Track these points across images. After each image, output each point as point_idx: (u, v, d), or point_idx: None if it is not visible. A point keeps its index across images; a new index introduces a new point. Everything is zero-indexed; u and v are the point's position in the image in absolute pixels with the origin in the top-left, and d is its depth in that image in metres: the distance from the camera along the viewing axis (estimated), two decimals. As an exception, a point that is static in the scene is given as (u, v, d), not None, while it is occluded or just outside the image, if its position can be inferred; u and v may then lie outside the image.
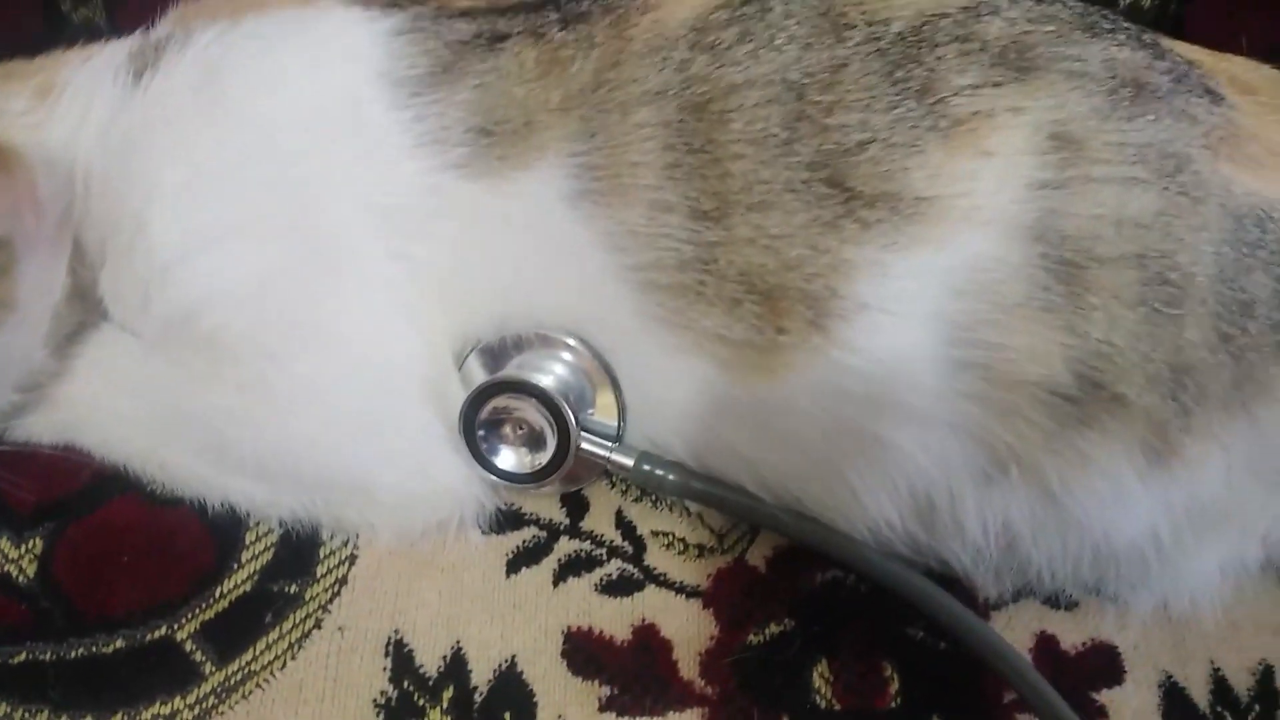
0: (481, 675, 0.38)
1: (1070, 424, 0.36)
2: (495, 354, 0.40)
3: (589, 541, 0.42)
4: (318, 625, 0.39)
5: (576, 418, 0.39)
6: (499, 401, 0.39)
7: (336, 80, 0.39)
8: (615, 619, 0.40)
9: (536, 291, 0.39)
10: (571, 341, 0.40)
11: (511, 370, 0.39)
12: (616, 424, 0.40)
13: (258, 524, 0.40)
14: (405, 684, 0.38)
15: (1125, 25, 0.43)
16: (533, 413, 0.39)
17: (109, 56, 0.41)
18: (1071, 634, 0.41)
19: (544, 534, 0.42)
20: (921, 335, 0.36)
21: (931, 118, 0.37)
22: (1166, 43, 0.43)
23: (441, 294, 0.39)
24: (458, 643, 0.39)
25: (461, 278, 0.39)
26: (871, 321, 0.36)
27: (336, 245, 0.39)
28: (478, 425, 0.40)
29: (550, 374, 0.39)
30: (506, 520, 0.42)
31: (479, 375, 0.41)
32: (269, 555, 0.40)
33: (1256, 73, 0.44)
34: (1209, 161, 0.38)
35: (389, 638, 0.39)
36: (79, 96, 0.40)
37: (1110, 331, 0.36)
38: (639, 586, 0.41)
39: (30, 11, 0.45)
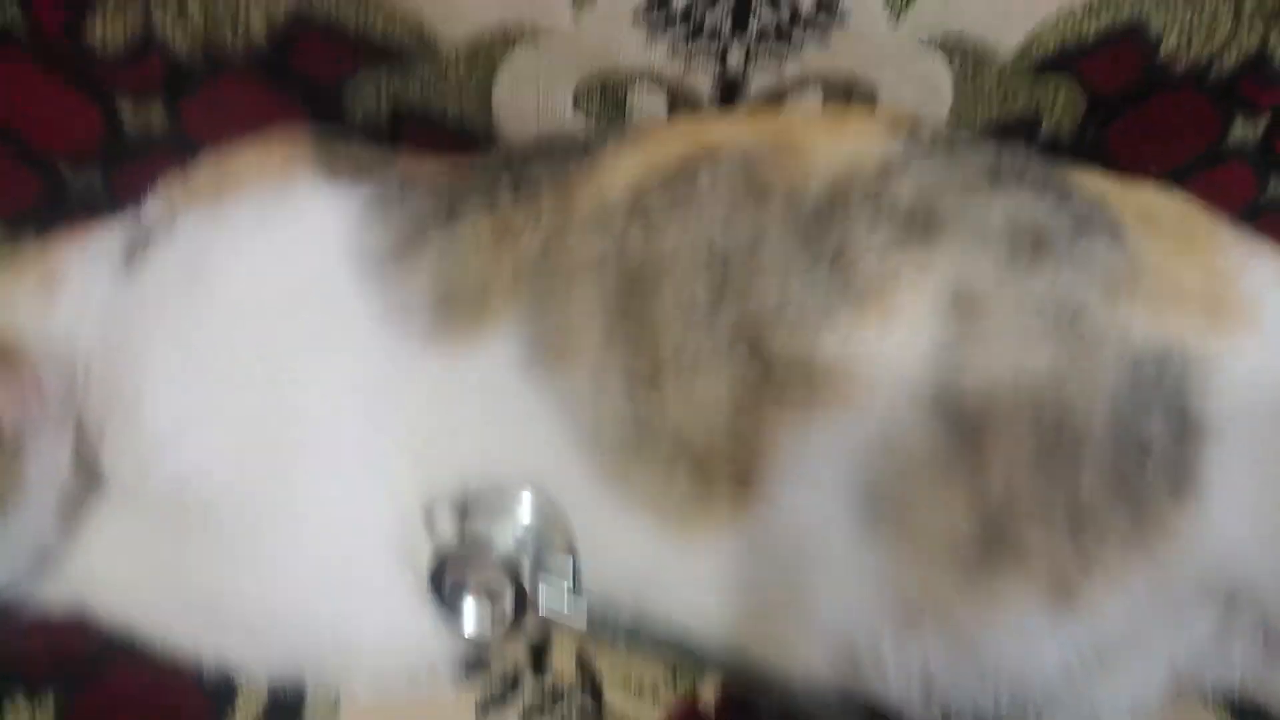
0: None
1: (978, 573, 0.39)
2: (460, 510, 0.43)
3: (551, 683, 0.45)
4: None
5: (535, 575, 0.42)
6: (460, 563, 0.42)
7: (308, 260, 0.43)
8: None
9: (496, 452, 0.43)
10: (530, 498, 0.43)
11: (473, 530, 0.43)
12: (572, 579, 0.43)
13: (248, 683, 0.43)
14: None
15: (1034, 167, 0.45)
16: (493, 572, 0.43)
17: (104, 242, 0.45)
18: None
19: (511, 678, 0.45)
20: (835, 495, 0.39)
21: (843, 281, 0.40)
22: (1075, 179, 0.46)
23: (408, 456, 0.43)
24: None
25: (427, 440, 0.43)
26: (790, 482, 0.39)
27: (310, 418, 0.42)
28: (443, 585, 0.43)
29: (510, 532, 0.43)
30: (476, 666, 0.45)
31: (446, 531, 0.44)
32: (259, 712, 0.43)
33: (1164, 202, 0.47)
34: (1106, 306, 0.40)
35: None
36: (78, 284, 0.44)
37: (1010, 485, 0.39)
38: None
39: (29, 179, 0.48)
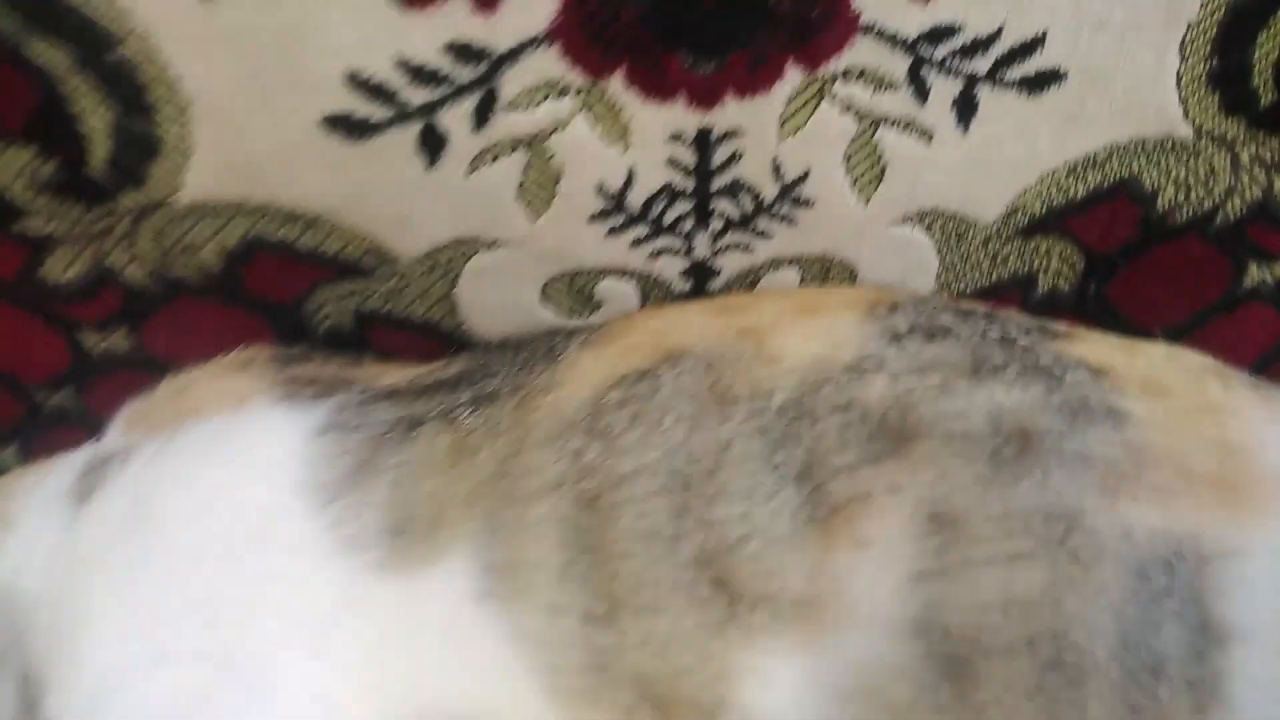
0: None
1: None
2: None
3: None
4: None
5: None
6: None
7: (256, 497, 0.42)
8: None
9: (453, 691, 0.40)
10: None
11: None
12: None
13: None
14: None
15: (1021, 347, 0.42)
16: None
17: (59, 479, 0.44)
18: None
19: None
20: None
21: (810, 505, 0.38)
22: (1071, 352, 0.42)
23: (361, 688, 0.40)
24: None
25: (379, 672, 0.40)
26: None
27: (258, 659, 0.40)
28: None
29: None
30: None
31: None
32: None
33: (1173, 367, 0.43)
34: (1104, 510, 0.37)
35: None
36: (28, 526, 0.43)
37: None
38: None
39: (6, 403, 0.49)
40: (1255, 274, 0.52)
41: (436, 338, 0.49)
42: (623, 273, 0.48)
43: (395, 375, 0.47)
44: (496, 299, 0.48)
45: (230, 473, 0.43)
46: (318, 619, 0.41)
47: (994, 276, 0.51)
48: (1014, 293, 0.52)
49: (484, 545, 0.40)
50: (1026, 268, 0.51)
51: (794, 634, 0.36)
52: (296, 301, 0.47)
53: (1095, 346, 0.44)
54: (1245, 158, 0.48)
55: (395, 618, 0.40)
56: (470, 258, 0.46)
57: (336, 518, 0.41)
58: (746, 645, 0.36)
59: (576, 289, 0.48)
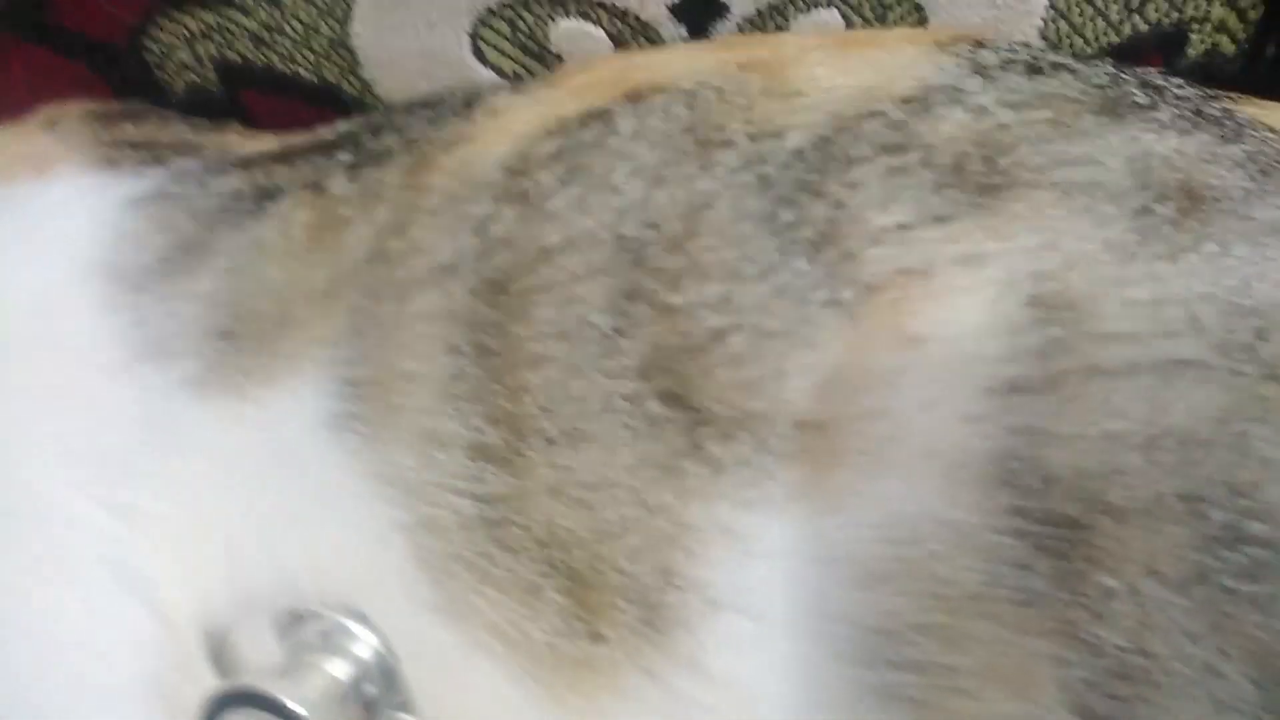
0: None
1: None
2: (250, 638, 0.29)
3: None
4: None
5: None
6: (239, 719, 0.29)
7: (32, 282, 0.30)
8: None
9: (300, 551, 0.28)
10: (354, 628, 0.27)
11: (262, 675, 0.29)
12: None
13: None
14: None
15: (1180, 90, 0.29)
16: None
17: None
18: None
19: None
20: (810, 651, 0.22)
21: (831, 284, 0.24)
22: (1248, 109, 0.29)
23: (179, 555, 0.28)
24: None
25: (203, 531, 0.28)
26: (728, 628, 0.23)
27: (37, 509, 0.28)
28: None
29: (318, 680, 0.28)
30: None
31: (230, 665, 0.30)
32: None
33: None
34: None
35: None
36: None
37: (1140, 634, 0.21)
38: None
39: None
40: None
41: (336, 107, 0.36)
42: (585, 5, 0.34)
43: (265, 143, 0.35)
44: (408, 46, 0.35)
45: (12, 252, 0.31)
46: (111, 454, 0.28)
47: (1126, 29, 0.36)
48: (1154, 56, 0.37)
49: (345, 353, 0.27)
50: (1176, 18, 0.36)
51: (793, 476, 0.22)
52: (130, 41, 0.35)
53: (1275, 111, 0.30)
54: None
55: (219, 453, 0.28)
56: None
57: (142, 314, 0.29)
58: (714, 493, 0.23)
59: (522, 33, 0.35)
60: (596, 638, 0.23)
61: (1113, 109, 0.27)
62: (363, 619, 0.28)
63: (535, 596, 0.24)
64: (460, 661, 0.26)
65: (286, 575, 0.29)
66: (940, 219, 0.25)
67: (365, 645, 0.29)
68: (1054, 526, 0.21)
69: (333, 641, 0.29)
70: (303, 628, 0.30)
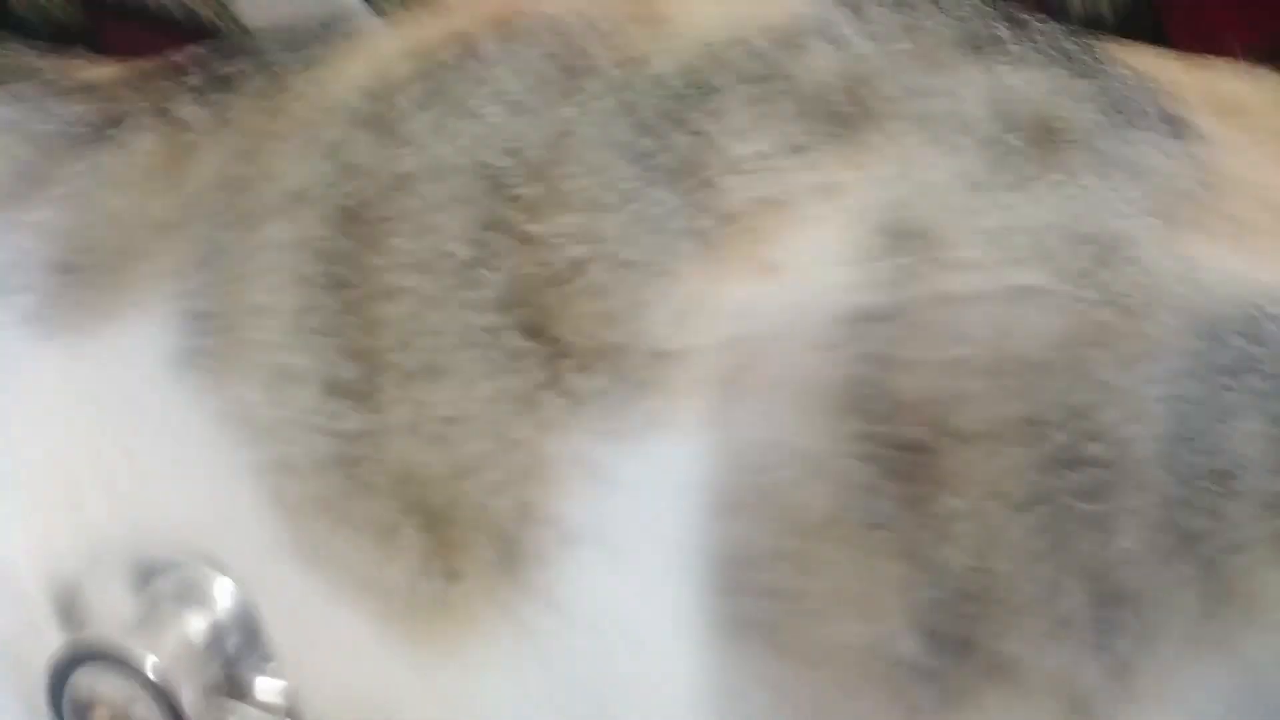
0: None
1: (924, 711, 0.23)
2: (110, 590, 0.28)
3: None
4: None
5: (208, 700, 0.27)
6: (90, 677, 0.27)
7: None
8: None
9: (149, 498, 0.26)
10: (212, 577, 0.26)
11: (111, 630, 0.27)
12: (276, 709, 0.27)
13: None
14: None
15: (1042, 26, 0.30)
16: (140, 691, 0.26)
17: None
18: None
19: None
20: (663, 581, 0.22)
21: (689, 213, 0.24)
22: (1108, 48, 0.30)
23: (19, 504, 0.27)
24: None
25: (45, 479, 0.27)
26: (583, 561, 0.22)
27: None
28: (63, 703, 0.28)
29: (173, 633, 0.27)
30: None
31: (96, 618, 0.29)
32: None
33: (1248, 83, 0.31)
34: (1160, 240, 0.24)
35: None
36: None
37: (984, 553, 0.22)
38: None
39: None
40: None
41: (201, 40, 0.35)
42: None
43: (111, 69, 0.33)
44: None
45: None
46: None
47: None
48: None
49: (191, 285, 0.26)
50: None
51: (650, 407, 0.22)
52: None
53: (1146, 57, 0.31)
54: None
55: (59, 394, 0.27)
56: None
57: None
58: (572, 424, 0.22)
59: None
60: (454, 576, 0.23)
61: (973, 42, 0.27)
62: (219, 567, 0.28)
63: (394, 537, 0.23)
64: (320, 607, 0.25)
65: (137, 524, 0.27)
66: (798, 149, 0.24)
67: (225, 595, 0.28)
68: (901, 450, 0.22)
69: (191, 593, 0.28)
70: (158, 580, 0.29)
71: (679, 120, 0.25)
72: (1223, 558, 0.22)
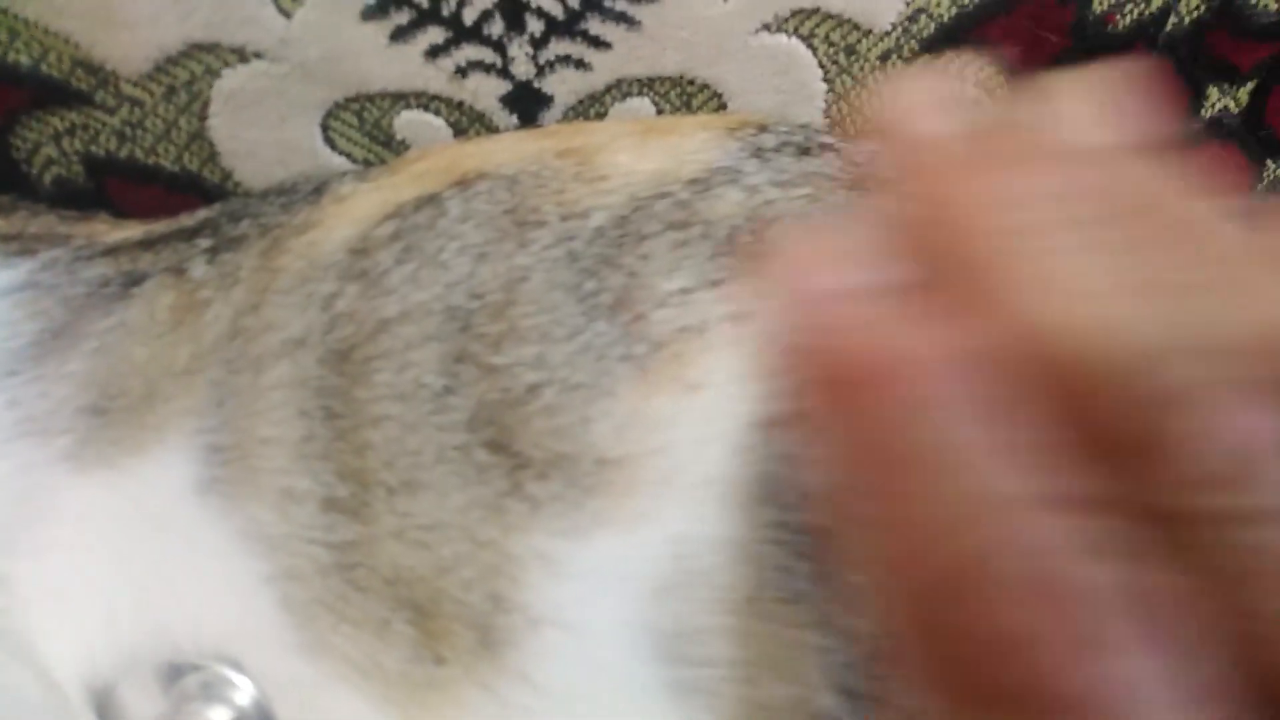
0: None
1: None
2: (141, 690, 0.32)
3: None
4: None
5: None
6: None
7: None
8: None
9: (176, 607, 0.30)
10: (231, 676, 0.30)
11: None
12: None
13: None
14: None
15: None
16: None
17: None
18: None
19: None
20: (617, 655, 0.26)
21: (625, 342, 0.28)
22: None
23: (60, 617, 0.31)
24: None
25: (83, 594, 0.30)
26: (548, 642, 0.26)
27: None
28: None
29: None
30: None
31: (129, 715, 0.32)
32: None
33: None
34: None
35: None
36: None
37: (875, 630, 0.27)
38: None
39: None
40: (1217, 99, 0.44)
41: (197, 194, 0.39)
42: (424, 99, 0.38)
43: (131, 231, 0.38)
44: (264, 137, 0.38)
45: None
46: (-8, 529, 0.32)
47: None
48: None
49: (208, 423, 0.30)
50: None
51: (594, 507, 0.26)
52: (-2, 140, 0.37)
53: None
54: (1198, -65, 0.39)
55: (94, 520, 0.30)
56: (218, 76, 0.36)
57: (15, 395, 0.31)
58: (532, 526, 0.26)
59: (369, 124, 0.39)
60: (440, 660, 0.27)
61: (860, 184, 0.32)
62: (238, 667, 0.31)
63: (386, 629, 0.27)
64: (325, 694, 0.29)
65: (164, 630, 0.31)
66: (715, 283, 0.29)
67: (243, 692, 0.31)
68: (809, 534, 0.26)
69: (213, 690, 0.32)
70: (184, 679, 0.32)
71: (615, 264, 0.30)
72: None
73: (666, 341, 0.28)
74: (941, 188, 0.16)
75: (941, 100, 0.17)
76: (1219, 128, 0.44)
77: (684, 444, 0.26)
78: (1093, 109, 0.17)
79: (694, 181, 0.32)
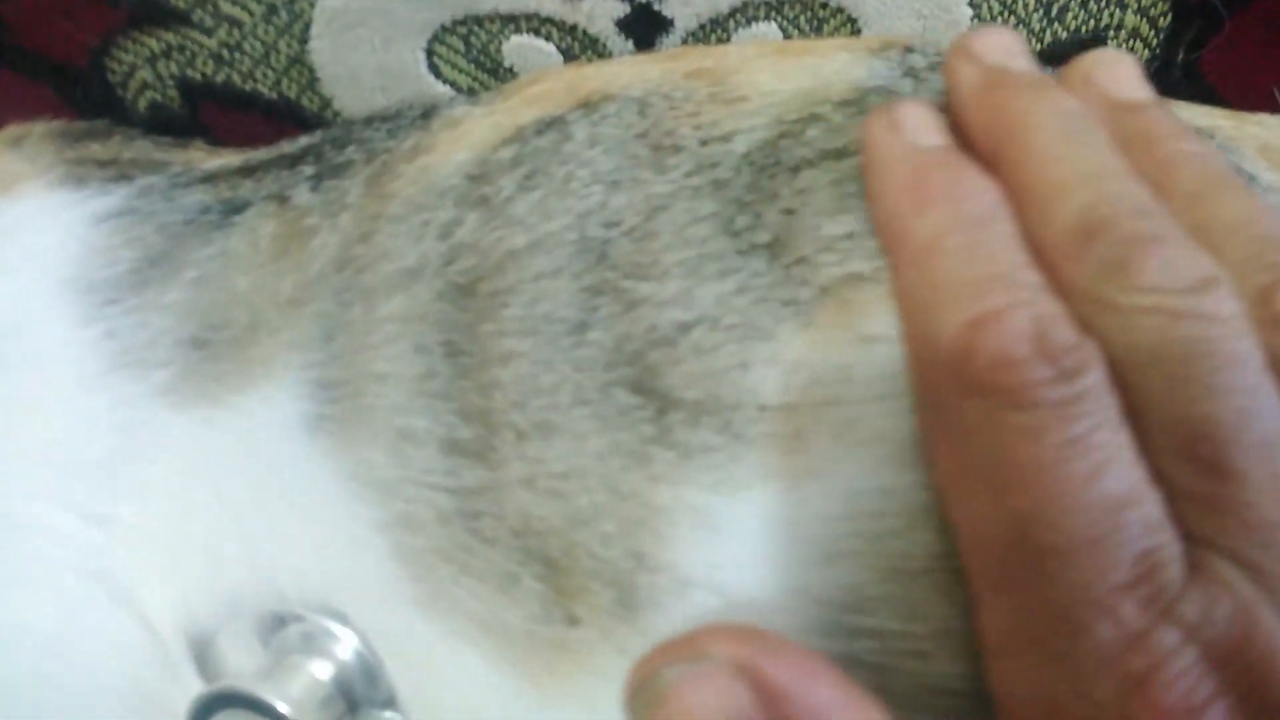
0: None
1: None
2: (241, 640, 0.30)
3: None
4: None
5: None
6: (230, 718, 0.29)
7: (5, 298, 0.30)
8: None
9: (280, 554, 0.28)
10: (335, 629, 0.28)
11: (246, 678, 0.29)
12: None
13: None
14: None
15: None
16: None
17: None
18: None
19: None
20: (777, 624, 0.23)
21: (788, 286, 0.25)
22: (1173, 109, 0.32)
23: (160, 561, 0.29)
24: None
25: (183, 538, 0.29)
26: (698, 606, 0.23)
27: (16, 521, 0.28)
28: None
29: (304, 678, 0.28)
30: None
31: (228, 665, 0.31)
32: None
33: None
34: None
35: None
36: None
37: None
38: None
39: None
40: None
41: (295, 123, 0.37)
42: (536, 22, 0.35)
43: (230, 159, 0.36)
44: (366, 62, 0.35)
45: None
46: (87, 463, 0.29)
47: (1047, 37, 0.38)
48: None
49: (316, 357, 0.28)
50: (1091, 25, 0.39)
51: (757, 459, 0.23)
52: (92, 61, 0.35)
53: (1193, 110, 0.32)
54: None
55: (196, 460, 0.28)
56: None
57: (112, 327, 0.29)
58: (682, 476, 0.24)
59: (476, 49, 0.36)
60: (573, 621, 0.24)
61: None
62: (343, 619, 0.29)
63: (513, 584, 0.25)
64: (442, 652, 0.27)
65: (267, 578, 0.29)
66: None
67: (346, 646, 0.29)
68: None
69: (315, 643, 0.30)
70: (285, 630, 0.30)
71: (770, 198, 0.27)
72: None
73: (834, 288, 0.24)
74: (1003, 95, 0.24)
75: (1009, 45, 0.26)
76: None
77: (860, 399, 0.23)
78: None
79: (846, 103, 0.29)
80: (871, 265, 0.25)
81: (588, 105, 0.30)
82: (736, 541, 0.23)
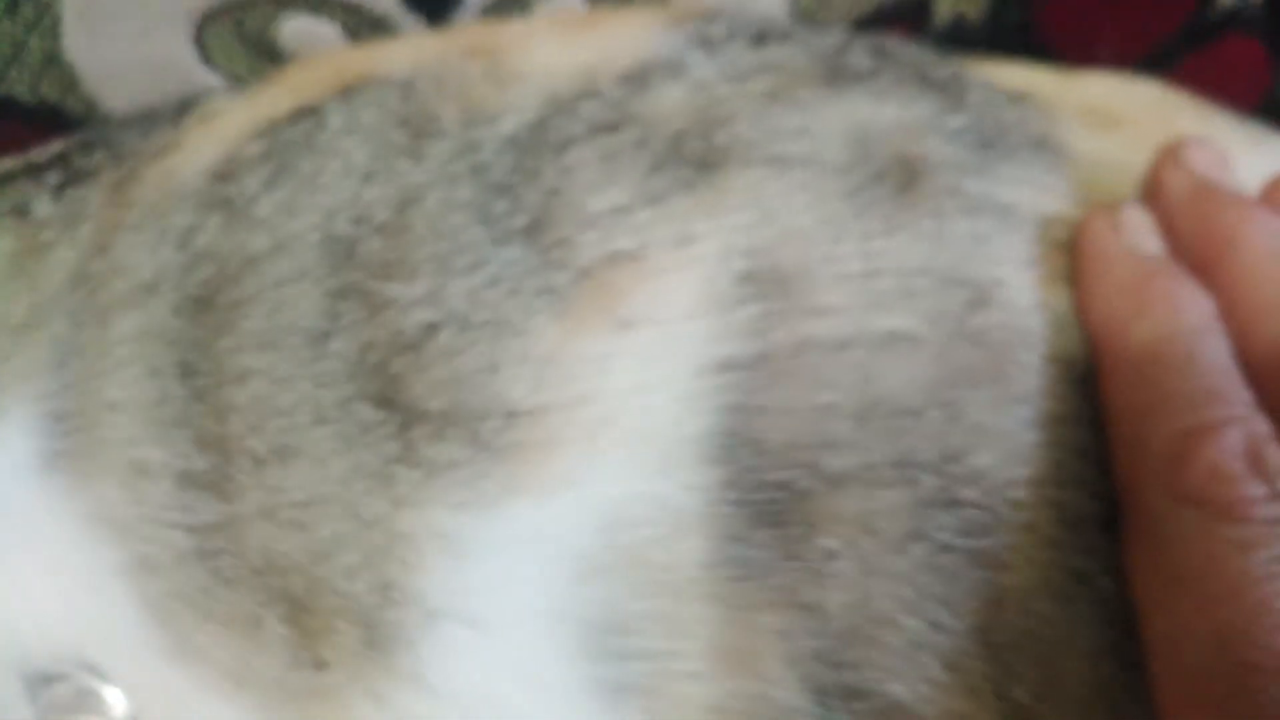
0: None
1: None
2: (9, 700, 0.27)
3: None
4: None
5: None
6: None
7: None
8: None
9: (25, 609, 0.25)
10: (100, 687, 0.25)
11: None
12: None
13: None
14: None
15: (908, 56, 0.29)
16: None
17: None
18: None
19: None
20: (533, 653, 0.21)
21: (543, 272, 0.23)
22: (978, 70, 0.30)
23: None
24: None
25: None
26: (448, 639, 0.21)
27: None
28: None
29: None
30: None
31: None
32: None
33: (1126, 94, 0.30)
34: (1026, 284, 0.23)
35: None
36: None
37: (863, 591, 0.21)
38: None
39: None
40: (1231, -14, 0.39)
41: (62, 130, 0.34)
42: (312, 2, 0.33)
43: None
44: (128, 56, 0.32)
45: None
46: None
47: (869, 2, 0.37)
48: (900, 27, 0.38)
49: (49, 386, 0.25)
50: (915, -16, 0.37)
51: (506, 471, 0.21)
52: None
53: (1013, 72, 0.31)
54: None
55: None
56: (64, -17, 0.31)
57: None
58: (427, 497, 0.21)
59: (250, 35, 0.33)
60: (321, 665, 0.22)
61: (834, 78, 0.27)
62: (103, 675, 0.27)
63: (257, 628, 0.22)
64: (194, 706, 0.24)
65: (19, 635, 0.27)
66: (654, 199, 0.24)
67: (117, 703, 0.27)
68: (770, 494, 0.21)
69: (86, 701, 0.27)
70: (52, 689, 0.28)
71: (532, 179, 0.25)
72: (1118, 599, 0.22)
73: (594, 269, 0.22)
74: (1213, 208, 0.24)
75: (1217, 159, 0.26)
76: (1236, 20, 0.40)
77: (615, 392, 0.21)
78: None
79: (627, 78, 0.27)
80: (637, 241, 0.23)
81: (347, 91, 0.28)
82: (486, 565, 0.21)
